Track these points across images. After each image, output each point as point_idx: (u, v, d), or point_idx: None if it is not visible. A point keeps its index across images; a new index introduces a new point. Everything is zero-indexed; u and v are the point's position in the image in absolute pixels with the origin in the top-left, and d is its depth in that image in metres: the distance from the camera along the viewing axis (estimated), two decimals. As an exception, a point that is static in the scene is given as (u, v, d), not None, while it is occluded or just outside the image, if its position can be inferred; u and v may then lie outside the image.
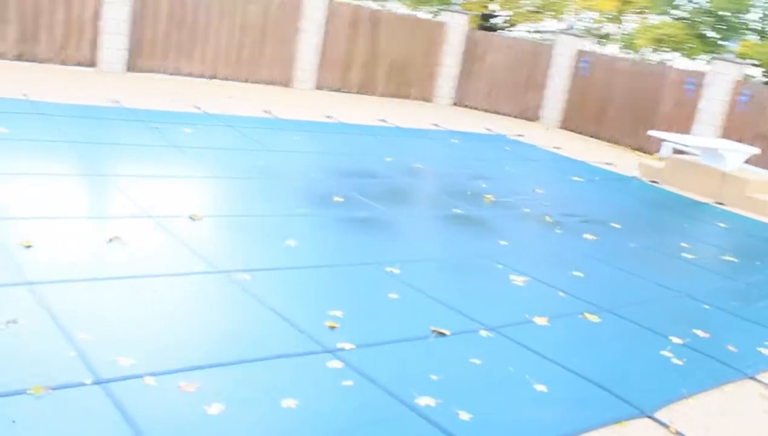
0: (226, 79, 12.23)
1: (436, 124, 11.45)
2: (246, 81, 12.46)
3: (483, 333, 4.21)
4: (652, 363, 4.22)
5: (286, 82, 12.87)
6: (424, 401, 3.32)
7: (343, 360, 3.58)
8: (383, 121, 10.91)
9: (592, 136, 13.38)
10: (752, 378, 4.26)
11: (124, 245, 4.53)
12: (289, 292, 4.39)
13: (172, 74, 11.68)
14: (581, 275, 5.61)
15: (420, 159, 8.77)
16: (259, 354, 3.50)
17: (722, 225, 8.28)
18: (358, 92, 13.63)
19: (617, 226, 7.38)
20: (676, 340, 4.58)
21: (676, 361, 4.27)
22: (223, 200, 6.16)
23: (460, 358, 3.84)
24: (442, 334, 4.08)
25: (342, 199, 6.52)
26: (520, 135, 11.87)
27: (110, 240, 4.56)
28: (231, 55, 12.15)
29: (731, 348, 4.62)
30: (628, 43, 16.47)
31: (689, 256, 6.70)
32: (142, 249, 4.56)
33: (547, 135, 12.57)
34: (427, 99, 14.42)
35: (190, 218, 5.27)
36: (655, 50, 16.66)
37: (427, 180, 7.80)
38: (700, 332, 4.79)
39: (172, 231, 4.95)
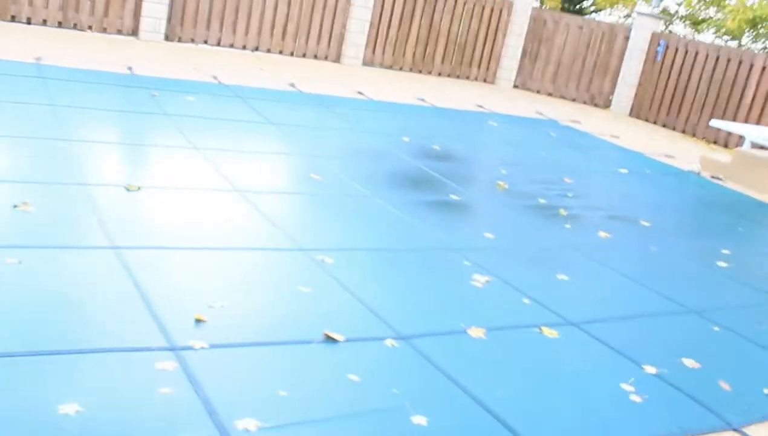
0: (269, 51, 11.72)
1: (480, 106, 10.58)
2: (292, 55, 11.92)
3: (389, 343, 3.46)
4: (598, 399, 3.36)
5: (335, 58, 12.26)
6: (241, 424, 2.62)
7: (182, 361, 2.93)
8: (422, 100, 10.15)
9: (664, 127, 12.18)
10: (737, 431, 3.33)
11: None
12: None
13: (213, 45, 11.28)
14: (566, 278, 4.75)
15: (443, 141, 7.99)
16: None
17: (782, 231, 7.14)
18: (411, 70, 12.88)
19: (646, 224, 6.40)
20: (649, 369, 3.69)
21: (634, 398, 3.39)
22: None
23: (335, 372, 3.12)
24: (332, 339, 3.36)
25: (318, 178, 5.86)
26: (576, 121, 10.84)
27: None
28: (277, 27, 11.63)
29: (724, 385, 3.69)
30: (720, 27, 14.96)
31: (724, 264, 5.68)
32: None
33: (611, 123, 11.47)
34: (488, 81, 13.51)
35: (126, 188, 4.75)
36: (752, 35, 15.14)
37: (437, 163, 7.02)
38: (689, 362, 3.88)
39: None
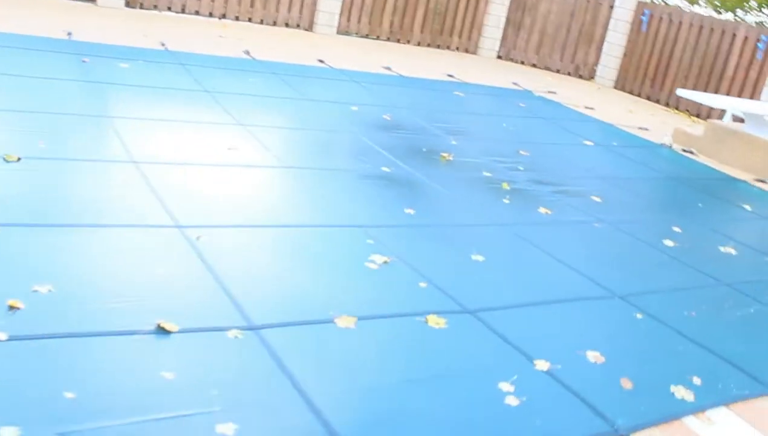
0: (237, 19, 11.26)
1: (450, 76, 10.11)
2: (261, 23, 11.46)
3: (232, 334, 3.07)
4: (464, 403, 2.95)
5: (307, 26, 11.78)
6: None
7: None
8: (388, 69, 9.68)
9: (648, 99, 11.64)
10: (624, 438, 2.93)
11: None
12: None
13: (178, 12, 10.84)
14: (481, 259, 4.33)
15: (396, 111, 7.55)
16: None
17: (748, 208, 6.66)
18: (389, 40, 12.38)
19: (597, 199, 5.97)
20: (540, 365, 3.29)
21: (509, 400, 2.99)
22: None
23: (147, 369, 2.74)
24: (164, 330, 2.97)
25: (237, 149, 5.45)
26: (552, 92, 10.35)
27: None
28: (245, -7, 11.18)
29: (625, 383, 3.29)
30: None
31: (671, 243, 5.26)
32: None
33: (590, 95, 10.96)
34: (469, 51, 13.00)
35: None
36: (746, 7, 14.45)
37: (380, 133, 6.59)
38: (593, 355, 3.48)
39: None
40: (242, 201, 4.58)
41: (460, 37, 12.89)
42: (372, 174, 5.54)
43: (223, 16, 11.19)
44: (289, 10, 11.59)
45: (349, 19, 12.03)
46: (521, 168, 6.45)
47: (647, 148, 8.19)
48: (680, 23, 11.34)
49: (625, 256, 4.91)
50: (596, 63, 12.45)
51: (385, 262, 4.05)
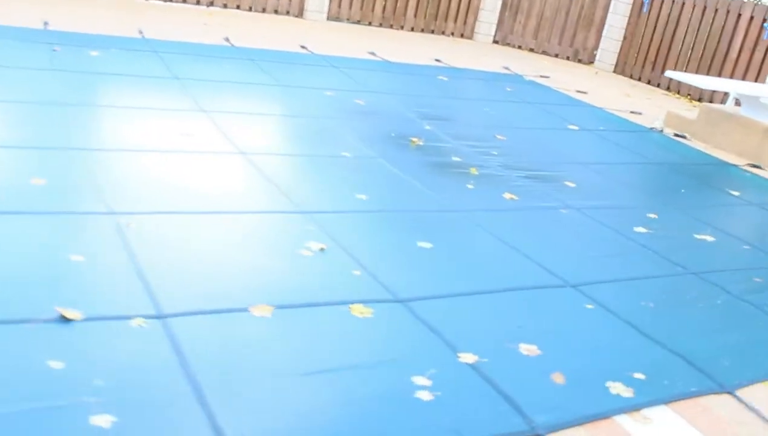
0: (226, 7, 11.08)
1: (438, 61, 9.86)
2: (250, 10, 11.27)
3: (136, 323, 2.89)
4: (371, 396, 2.76)
5: (297, 13, 11.58)
6: None
7: None
8: (372, 54, 9.45)
9: (648, 83, 11.32)
10: (544, 436, 2.71)
11: None
12: None
13: (165, 1, 10.68)
14: (428, 246, 4.12)
15: (373, 95, 7.33)
16: None
17: (735, 194, 6.37)
18: (381, 26, 12.14)
19: (571, 185, 5.74)
20: (465, 358, 3.08)
21: (421, 395, 2.78)
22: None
23: (35, 357, 2.57)
24: (65, 318, 2.80)
25: (193, 135, 5.28)
26: (544, 76, 10.06)
27: None
28: (233, -21, 10.99)
29: (557, 378, 3.08)
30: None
31: (642, 230, 5.02)
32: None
33: (586, 79, 10.66)
34: (465, 36, 12.72)
35: None
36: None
37: (351, 118, 6.39)
38: (527, 348, 3.26)
39: None
40: (185, 187, 4.39)
41: (455, 22, 12.62)
42: (329, 157, 5.34)
43: (211, 4, 11.02)
44: (278, -5, 11.39)
45: (340, 6, 11.81)
46: (495, 153, 6.21)
47: (636, 133, 7.91)
48: (683, 3, 10.99)
49: (587, 243, 4.67)
50: (596, 47, 12.14)
51: (322, 249, 3.85)
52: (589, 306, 3.77)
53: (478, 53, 11.20)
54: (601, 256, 4.49)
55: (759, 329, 3.89)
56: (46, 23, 7.83)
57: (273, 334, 3.02)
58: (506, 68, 10.25)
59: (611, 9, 11.86)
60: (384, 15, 12.16)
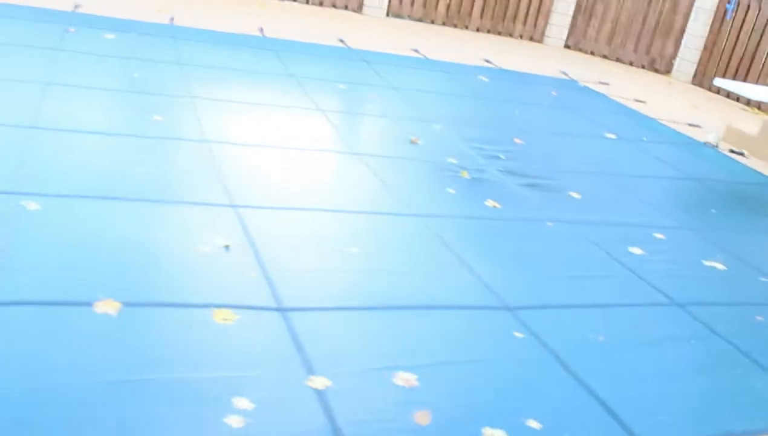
0: (284, -1, 10.88)
1: (488, 61, 9.28)
2: (308, 3, 11.03)
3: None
4: (183, 417, 2.32)
5: (356, 8, 11.26)
6: None
7: None
8: (415, 51, 8.98)
9: (728, 97, 10.33)
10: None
11: None
12: None
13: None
14: (355, 251, 3.65)
15: (387, 91, 6.87)
16: None
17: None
18: (445, 24, 11.65)
19: (575, 196, 5.13)
20: (314, 382, 2.60)
21: (233, 421, 2.34)
22: None
23: None
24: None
25: (160, 119, 5.00)
26: (604, 83, 9.31)
27: None
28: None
29: (421, 418, 2.55)
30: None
31: (638, 251, 4.38)
32: None
33: (655, 89, 9.82)
34: (535, 39, 12.04)
35: None
36: None
37: (355, 113, 5.98)
38: (404, 377, 2.75)
39: None
40: (302, 184, 4.10)
41: (524, 24, 11.97)
42: (309, 155, 4.93)
43: (267, -5, 10.82)
44: (337, -10, 11.10)
45: (401, 2, 11.39)
46: (502, 156, 5.64)
47: (685, 146, 7.11)
48: (769, 10, 9.99)
49: (557, 262, 4.06)
50: (674, 56, 11.23)
51: (226, 246, 3.44)
52: (518, 334, 3.20)
53: (540, 57, 10.54)
54: (567, 277, 3.88)
55: (732, 380, 3.21)
56: (77, 6, 7.77)
57: (104, 332, 2.64)
58: (564, 73, 9.56)
59: (692, 16, 10.94)
60: (448, 14, 11.66)
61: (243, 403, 2.41)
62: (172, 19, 8.03)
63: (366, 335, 2.96)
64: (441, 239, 4.01)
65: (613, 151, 6.51)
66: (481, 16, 11.78)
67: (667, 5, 11.26)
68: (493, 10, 11.78)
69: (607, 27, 11.73)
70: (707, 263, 4.43)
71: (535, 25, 12.01)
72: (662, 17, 11.32)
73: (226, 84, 6.14)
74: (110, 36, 6.84)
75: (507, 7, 11.79)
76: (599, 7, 11.69)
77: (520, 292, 3.57)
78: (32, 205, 3.49)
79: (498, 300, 3.45)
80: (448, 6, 11.62)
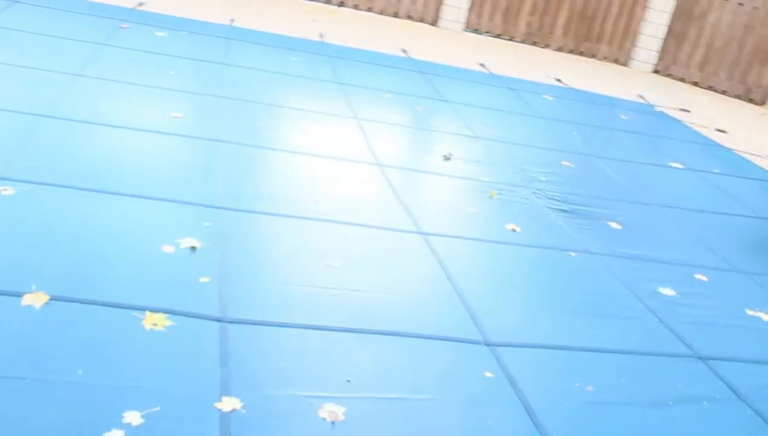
0: (356, 8, 10.70)
1: (558, 80, 8.80)
2: (381, 13, 10.82)
3: None
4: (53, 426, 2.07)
5: (432, 20, 10.96)
6: None
7: None
8: (481, 66, 8.61)
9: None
10: None
11: None
12: None
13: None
14: (336, 264, 3.35)
15: (442, 106, 6.55)
16: None
17: None
18: (524, 42, 11.20)
19: (614, 226, 4.66)
20: (226, 404, 2.29)
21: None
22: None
23: None
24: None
25: (181, 115, 4.84)
26: (684, 110, 8.67)
27: None
28: (366, -18, 10.60)
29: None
30: None
31: (671, 293, 3.89)
32: None
33: (744, 120, 9.09)
34: (620, 61, 11.42)
35: None
36: None
37: (396, 129, 5.70)
38: (328, 408, 2.40)
39: None
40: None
41: (609, 45, 11.38)
42: (333, 163, 4.66)
43: (342, 4, 10.67)
44: (414, 1, 10.84)
45: (480, 16, 11.03)
46: (543, 178, 5.22)
47: (761, 182, 6.45)
48: None
49: (565, 298, 3.63)
50: (772, 86, 10.41)
51: (192, 248, 3.20)
52: (488, 374, 2.81)
53: (621, 79, 9.95)
54: (571, 314, 3.45)
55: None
56: (141, 3, 7.80)
57: (18, 325, 2.42)
58: (641, 97, 8.96)
59: (794, 43, 10.12)
60: (528, 30, 11.21)
61: (133, 417, 2.15)
62: (232, 20, 7.94)
63: (306, 358, 2.64)
64: (440, 259, 3.65)
65: (673, 182, 5.96)
66: (564, 35, 11.27)
67: (766, 31, 10.46)
68: (577, 30, 11.26)
69: (699, 52, 11.00)
70: (751, 313, 3.89)
71: (620, 47, 11.39)
72: (762, 44, 10.52)
73: (265, 86, 5.96)
74: (161, 33, 6.78)
75: (591, 27, 11.24)
76: (692, 31, 10.99)
77: (508, 327, 3.17)
78: (7, 191, 3.36)
79: (479, 333, 3.06)
80: (529, 23, 11.17)
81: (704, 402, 2.97)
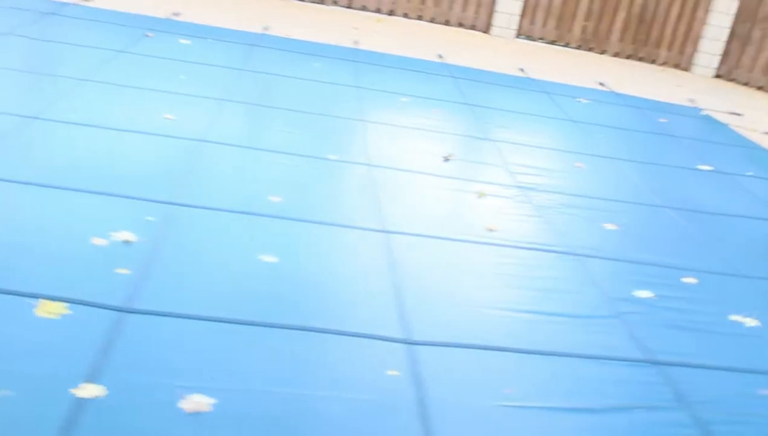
0: (406, 17, 10.65)
1: (601, 84, 8.47)
2: (431, 21, 10.73)
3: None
4: None
5: (484, 27, 10.80)
6: None
7: None
8: (520, 70, 8.39)
9: None
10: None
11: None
12: None
13: (344, 7, 10.54)
14: (272, 260, 3.29)
15: (462, 109, 6.41)
16: None
17: None
18: (580, 48, 10.88)
19: (610, 227, 4.44)
20: (83, 390, 2.25)
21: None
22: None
23: None
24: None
25: (172, 117, 4.89)
26: (735, 114, 8.19)
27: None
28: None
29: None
30: None
31: (647, 295, 3.63)
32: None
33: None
34: (681, 66, 10.93)
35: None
36: None
37: (400, 129, 5.60)
38: (197, 402, 2.33)
39: None
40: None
41: (669, 50, 10.91)
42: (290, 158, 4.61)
43: (391, 13, 10.64)
44: (464, 9, 10.71)
45: (532, 22, 10.79)
46: (546, 179, 5.04)
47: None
48: None
49: (518, 297, 3.42)
50: None
51: (126, 241, 3.19)
52: (392, 372, 2.67)
53: (676, 84, 9.50)
54: (522, 312, 3.25)
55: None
56: (176, 14, 7.99)
57: None
58: (691, 100, 8.52)
59: None
60: (584, 36, 10.88)
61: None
62: (266, 28, 8.01)
63: (193, 350, 2.58)
64: (395, 258, 3.52)
65: (695, 184, 5.60)
66: (621, 40, 10.88)
67: (838, 31, 9.80)
68: (635, 35, 10.85)
69: (765, 56, 10.40)
70: (734, 318, 3.58)
71: (681, 51, 10.90)
72: (832, 45, 9.86)
73: (271, 90, 5.96)
74: (185, 42, 6.90)
75: (650, 31, 10.80)
76: (756, 33, 10.40)
77: (439, 326, 3.01)
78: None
79: (401, 330, 2.91)
80: (584, 28, 10.84)
81: (638, 409, 2.73)
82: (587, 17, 10.77)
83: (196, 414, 2.25)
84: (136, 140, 4.47)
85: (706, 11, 10.66)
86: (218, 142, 4.61)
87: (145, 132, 4.60)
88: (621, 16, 10.76)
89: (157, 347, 2.55)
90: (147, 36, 6.88)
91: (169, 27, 7.30)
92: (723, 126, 7.54)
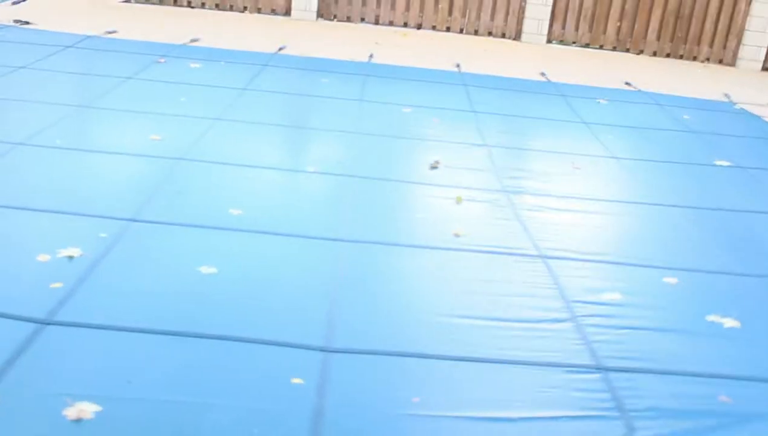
0: (434, 29, 10.59)
1: (627, 84, 8.19)
2: (460, 32, 10.64)
3: None
4: None
5: (514, 35, 10.64)
6: None
7: None
8: (542, 75, 8.20)
9: None
10: None
11: None
12: None
13: (370, 24, 10.53)
14: (212, 271, 3.26)
15: (465, 116, 6.30)
16: None
17: None
18: (615, 49, 10.58)
19: (596, 229, 4.21)
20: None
21: None
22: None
23: None
24: None
25: (159, 138, 4.97)
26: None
27: None
28: (442, 2, 10.44)
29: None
30: None
31: (615, 298, 3.45)
32: None
33: None
34: (725, 62, 10.48)
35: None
36: None
37: (381, 139, 5.55)
38: (81, 409, 2.31)
39: None
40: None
41: (710, 46, 10.49)
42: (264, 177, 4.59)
43: (419, 27, 10.59)
44: (492, 17, 10.57)
45: (564, 26, 10.56)
46: (534, 183, 4.89)
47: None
48: None
49: (472, 303, 3.29)
50: None
51: (70, 257, 3.23)
52: (296, 380, 2.58)
53: (715, 81, 9.10)
54: (465, 318, 3.12)
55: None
56: (194, 40, 8.13)
57: None
58: (726, 95, 8.15)
59: None
60: (618, 37, 10.58)
61: None
62: (281, 48, 8.07)
63: (100, 359, 2.57)
64: (342, 265, 3.44)
65: (705, 180, 5.33)
66: (658, 39, 10.53)
67: None
68: (673, 32, 10.47)
69: (813, 45, 9.88)
70: (712, 319, 3.35)
71: (724, 46, 10.46)
72: None
73: (276, 109, 6.00)
74: (195, 65, 7.00)
75: (688, 27, 10.41)
76: (804, 22, 9.91)
77: (363, 333, 2.91)
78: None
79: (322, 339, 2.83)
80: (619, 29, 10.54)
81: (565, 417, 2.56)
82: (621, 17, 10.47)
83: (78, 421, 2.23)
84: (115, 161, 4.54)
85: (749, 2, 10.21)
86: (196, 160, 4.63)
87: (127, 153, 4.67)
88: (657, 14, 10.42)
89: (61, 358, 2.55)
90: (158, 62, 7.02)
91: (183, 52, 7.42)
92: (758, 119, 7.17)
